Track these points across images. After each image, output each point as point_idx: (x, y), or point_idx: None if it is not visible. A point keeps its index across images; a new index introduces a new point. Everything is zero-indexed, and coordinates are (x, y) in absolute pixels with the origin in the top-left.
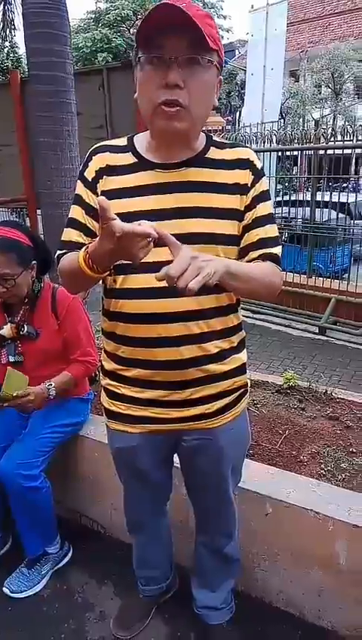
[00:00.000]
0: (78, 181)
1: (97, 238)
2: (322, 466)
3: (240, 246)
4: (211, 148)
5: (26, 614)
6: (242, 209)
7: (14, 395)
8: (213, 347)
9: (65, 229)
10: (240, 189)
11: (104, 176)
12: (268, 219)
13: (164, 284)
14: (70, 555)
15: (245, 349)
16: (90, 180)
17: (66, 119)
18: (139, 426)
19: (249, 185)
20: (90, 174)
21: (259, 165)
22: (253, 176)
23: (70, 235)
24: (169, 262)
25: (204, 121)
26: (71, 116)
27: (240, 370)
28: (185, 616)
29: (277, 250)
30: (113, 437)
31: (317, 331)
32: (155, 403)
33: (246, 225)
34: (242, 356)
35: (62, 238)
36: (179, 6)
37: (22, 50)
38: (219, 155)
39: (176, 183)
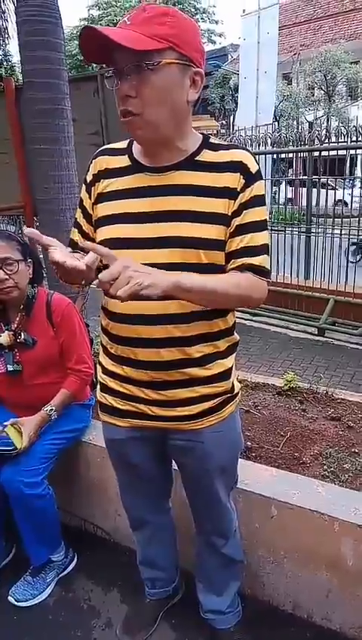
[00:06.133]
0: (83, 184)
1: None
2: (325, 467)
3: (225, 252)
4: (204, 150)
5: (31, 623)
6: (229, 214)
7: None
8: (195, 351)
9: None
10: (228, 193)
11: (102, 179)
12: (255, 225)
13: None
14: (75, 562)
15: (233, 355)
16: (88, 182)
17: (61, 126)
18: (125, 419)
19: (238, 189)
20: (89, 177)
21: (253, 169)
22: (243, 181)
23: (74, 234)
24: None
25: (172, 123)
26: (66, 122)
27: (224, 376)
28: (192, 622)
29: (259, 260)
30: (105, 429)
31: (316, 332)
32: (138, 400)
33: (231, 232)
34: (227, 362)
35: (70, 237)
36: (95, 27)
37: (15, 58)
38: (211, 158)
39: (162, 187)
